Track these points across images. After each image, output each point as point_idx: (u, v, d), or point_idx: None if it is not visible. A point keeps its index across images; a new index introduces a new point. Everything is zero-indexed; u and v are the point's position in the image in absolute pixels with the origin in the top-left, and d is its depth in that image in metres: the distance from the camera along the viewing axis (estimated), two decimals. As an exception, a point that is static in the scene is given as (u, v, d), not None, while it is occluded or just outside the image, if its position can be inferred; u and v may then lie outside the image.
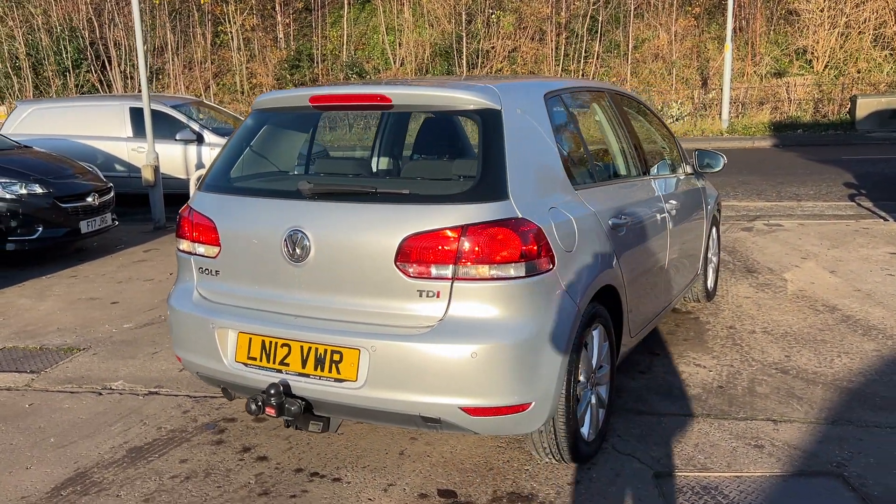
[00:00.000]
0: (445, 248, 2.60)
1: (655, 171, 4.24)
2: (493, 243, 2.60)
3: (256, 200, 2.98)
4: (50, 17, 26.52)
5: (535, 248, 2.66)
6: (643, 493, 2.88)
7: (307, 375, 2.77)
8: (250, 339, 2.89)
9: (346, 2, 26.65)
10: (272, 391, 2.74)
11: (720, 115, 19.67)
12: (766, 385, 3.91)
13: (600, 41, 24.62)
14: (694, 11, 24.55)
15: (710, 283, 5.42)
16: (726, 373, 4.09)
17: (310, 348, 2.76)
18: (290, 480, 3.01)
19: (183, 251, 3.17)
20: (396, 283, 2.66)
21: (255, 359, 2.88)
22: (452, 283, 2.61)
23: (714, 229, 5.49)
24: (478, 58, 24.66)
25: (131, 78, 26.09)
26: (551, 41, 24.53)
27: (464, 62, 24.68)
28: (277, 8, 26.57)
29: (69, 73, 25.72)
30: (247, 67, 26.46)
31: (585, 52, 24.48)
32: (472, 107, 2.86)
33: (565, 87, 3.46)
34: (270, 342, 2.84)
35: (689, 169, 4.76)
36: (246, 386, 2.93)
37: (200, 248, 3.08)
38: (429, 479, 3.00)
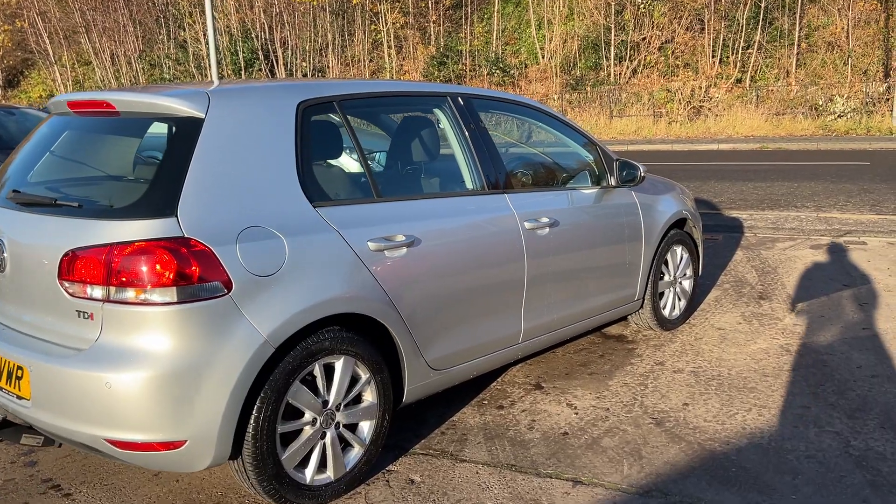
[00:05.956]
0: (96, 267, 2.44)
1: (529, 183, 3.75)
2: (143, 265, 2.40)
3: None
4: (230, 21, 28.90)
5: (198, 270, 2.43)
6: (337, 551, 2.56)
7: (1, 389, 2.73)
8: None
9: (496, -3, 26.55)
10: (-35, 401, 2.74)
11: (891, 111, 17.29)
12: (618, 438, 3.33)
13: (764, 30, 22.55)
14: (879, -7, 21.75)
15: (668, 311, 4.74)
16: (590, 418, 3.54)
17: (5, 361, 2.73)
18: (29, 489, 3.01)
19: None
20: (61, 301, 2.54)
21: (-22, 366, 2.89)
22: (103, 306, 2.45)
23: (681, 249, 4.80)
24: (626, 50, 23.54)
25: (294, 74, 27.78)
26: (709, 31, 22.85)
27: (612, 55, 23.69)
28: (429, 6, 27.05)
29: (242, 71, 27.92)
30: (399, 64, 27.23)
31: (745, 41, 22.54)
32: (175, 114, 2.67)
33: (349, 94, 3.11)
34: (-16, 351, 2.84)
35: (612, 181, 4.17)
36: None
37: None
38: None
